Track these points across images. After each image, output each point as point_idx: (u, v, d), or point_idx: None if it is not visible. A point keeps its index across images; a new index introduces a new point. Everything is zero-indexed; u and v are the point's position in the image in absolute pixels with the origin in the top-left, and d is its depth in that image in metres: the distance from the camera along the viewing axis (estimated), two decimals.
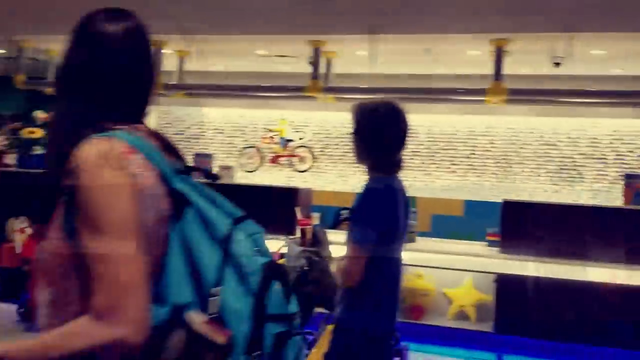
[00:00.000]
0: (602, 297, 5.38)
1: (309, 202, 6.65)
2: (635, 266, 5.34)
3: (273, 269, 1.03)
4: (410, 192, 8.11)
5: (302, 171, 8.25)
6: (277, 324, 0.98)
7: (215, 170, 7.15)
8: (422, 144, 8.39)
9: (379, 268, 2.42)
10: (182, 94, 7.06)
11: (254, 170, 8.34)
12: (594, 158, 7.72)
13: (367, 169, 2.56)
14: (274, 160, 8.24)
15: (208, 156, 7.10)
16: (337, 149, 8.75)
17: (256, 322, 0.96)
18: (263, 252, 1.08)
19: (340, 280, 2.46)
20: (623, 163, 7.62)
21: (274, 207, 6.25)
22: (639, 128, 7.57)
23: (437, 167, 8.32)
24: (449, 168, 8.27)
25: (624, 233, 5.43)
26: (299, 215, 5.20)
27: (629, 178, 5.62)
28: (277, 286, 1.01)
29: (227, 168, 6.90)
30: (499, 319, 5.65)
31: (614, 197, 7.49)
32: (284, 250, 4.88)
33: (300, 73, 6.90)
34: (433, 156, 8.34)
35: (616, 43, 5.60)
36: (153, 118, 9.52)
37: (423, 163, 8.37)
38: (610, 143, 7.67)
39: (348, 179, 8.70)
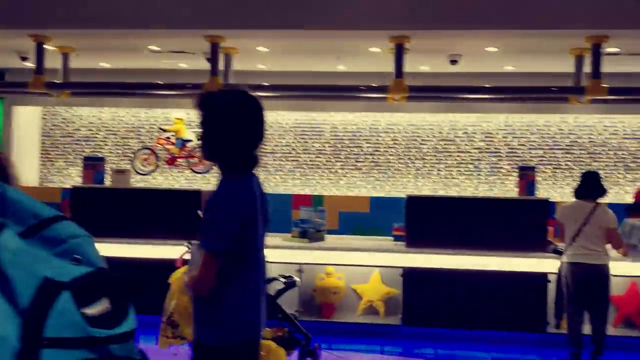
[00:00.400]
0: (503, 285, 5.60)
1: None
2: (531, 253, 5.61)
3: (95, 280, 0.82)
4: (316, 191, 8.02)
5: (202, 173, 7.94)
6: (70, 350, 0.77)
7: (108, 174, 6.67)
8: (327, 142, 8.37)
9: (234, 273, 2.17)
10: (67, 93, 6.51)
11: (150, 174, 7.90)
12: (488, 152, 8.08)
13: (218, 168, 2.25)
14: (171, 161, 7.84)
15: (100, 160, 6.61)
16: None
17: (26, 349, 0.76)
18: (87, 260, 0.86)
19: (191, 290, 2.19)
20: (515, 156, 8.04)
21: (175, 210, 5.95)
22: (529, 122, 8.02)
23: (343, 165, 8.34)
24: (355, 165, 8.31)
25: (520, 222, 5.68)
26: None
27: (522, 170, 5.89)
28: (105, 302, 0.81)
29: (122, 172, 6.46)
30: (406, 311, 5.73)
31: (508, 189, 7.89)
32: (187, 256, 4.61)
33: (199, 70, 6.62)
34: (338, 154, 8.35)
35: (507, 40, 5.86)
36: (37, 120, 8.76)
37: (328, 161, 8.35)
38: (504, 137, 8.06)
39: None
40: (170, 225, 5.88)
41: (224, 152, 2.21)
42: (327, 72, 7.34)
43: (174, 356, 4.69)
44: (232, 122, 2.19)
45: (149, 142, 8.32)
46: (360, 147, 8.29)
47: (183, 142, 7.69)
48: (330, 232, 7.13)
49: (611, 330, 5.31)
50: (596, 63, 5.55)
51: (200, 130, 2.25)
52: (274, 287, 4.90)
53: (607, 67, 6.62)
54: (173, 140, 7.72)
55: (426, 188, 8.11)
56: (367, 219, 7.88)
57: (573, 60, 5.88)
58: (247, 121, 2.22)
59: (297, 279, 4.90)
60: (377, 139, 8.26)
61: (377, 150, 8.27)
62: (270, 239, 6.37)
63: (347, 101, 7.46)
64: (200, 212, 4.93)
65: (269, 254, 6.23)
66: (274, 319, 4.80)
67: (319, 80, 6.77)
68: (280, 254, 5.90)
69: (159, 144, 7.82)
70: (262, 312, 2.31)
